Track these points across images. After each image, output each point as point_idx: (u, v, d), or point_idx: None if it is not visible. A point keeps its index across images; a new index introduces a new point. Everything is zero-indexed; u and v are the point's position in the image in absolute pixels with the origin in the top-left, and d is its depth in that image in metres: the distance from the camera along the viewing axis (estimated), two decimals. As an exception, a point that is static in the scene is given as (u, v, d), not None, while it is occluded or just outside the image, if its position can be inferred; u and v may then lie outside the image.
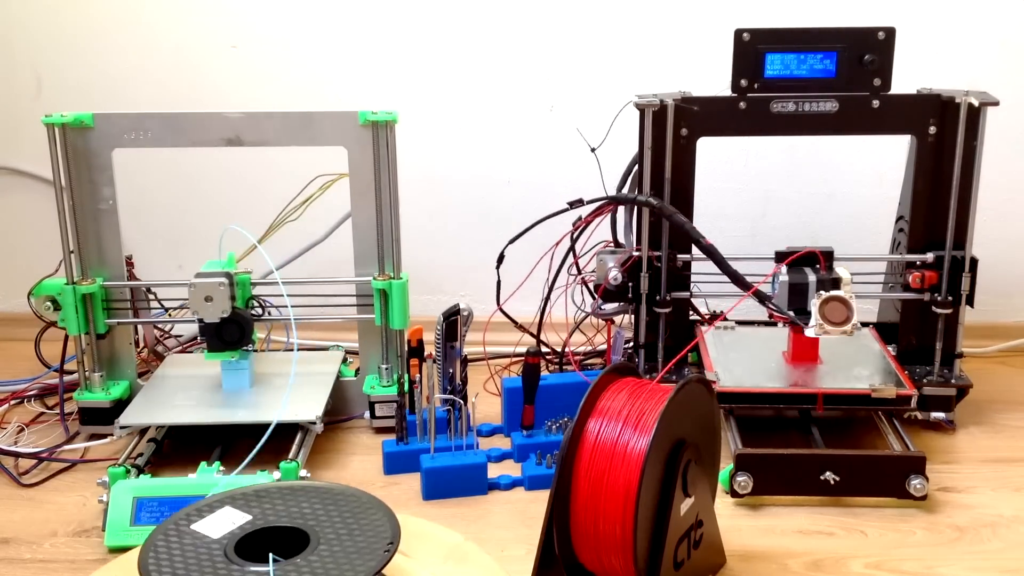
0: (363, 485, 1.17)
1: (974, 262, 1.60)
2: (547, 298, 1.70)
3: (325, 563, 1.00)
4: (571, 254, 1.67)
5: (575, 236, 1.66)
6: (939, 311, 1.62)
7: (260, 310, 1.61)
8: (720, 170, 1.94)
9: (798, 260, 1.54)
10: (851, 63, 1.55)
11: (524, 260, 1.66)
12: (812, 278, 1.52)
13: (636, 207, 1.63)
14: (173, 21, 1.98)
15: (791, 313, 1.51)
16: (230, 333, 1.54)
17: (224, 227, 1.56)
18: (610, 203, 1.63)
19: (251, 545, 1.04)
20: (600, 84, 1.94)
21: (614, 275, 1.60)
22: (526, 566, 1.16)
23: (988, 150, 1.57)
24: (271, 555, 1.01)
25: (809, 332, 1.49)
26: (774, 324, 1.70)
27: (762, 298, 1.52)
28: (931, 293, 1.62)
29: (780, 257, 1.56)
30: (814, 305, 1.49)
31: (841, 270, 1.54)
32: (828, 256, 1.55)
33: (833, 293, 1.49)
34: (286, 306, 1.52)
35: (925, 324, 1.65)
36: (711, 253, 1.53)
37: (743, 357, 1.62)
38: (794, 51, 1.56)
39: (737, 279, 1.52)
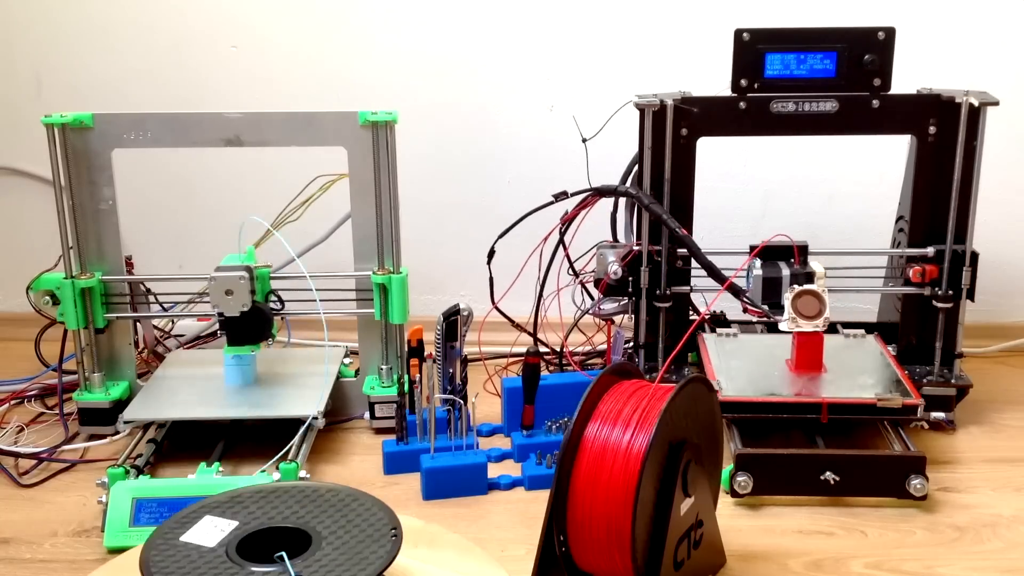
0: (363, 485, 1.17)
1: (975, 256, 1.60)
2: (540, 295, 1.70)
3: (329, 564, 1.00)
4: (560, 247, 1.67)
5: (563, 230, 1.66)
6: (939, 305, 1.62)
7: (280, 304, 1.61)
8: (720, 170, 1.94)
9: (774, 253, 1.55)
10: (851, 63, 1.55)
11: (521, 258, 1.66)
12: (786, 272, 1.52)
13: (636, 207, 1.63)
14: (173, 21, 1.98)
15: (764, 307, 1.52)
16: (250, 327, 1.55)
17: (242, 220, 1.57)
18: (593, 195, 1.63)
19: (252, 546, 1.04)
20: (600, 84, 1.94)
21: (614, 269, 1.60)
22: (526, 566, 1.16)
23: (988, 150, 1.57)
24: (283, 555, 1.00)
25: (782, 326, 1.50)
26: (777, 329, 1.70)
27: (736, 291, 1.52)
28: (931, 287, 1.63)
29: (754, 250, 1.56)
30: (787, 299, 1.49)
31: (815, 264, 1.54)
32: (803, 250, 1.55)
33: (806, 287, 1.49)
34: (304, 300, 1.53)
35: (925, 322, 1.65)
36: (686, 244, 1.54)
37: (745, 365, 1.60)
38: (794, 51, 1.56)
39: (713, 271, 1.53)
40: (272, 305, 1.60)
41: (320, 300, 1.56)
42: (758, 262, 1.55)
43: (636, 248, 1.62)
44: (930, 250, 1.62)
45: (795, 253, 1.55)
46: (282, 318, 1.71)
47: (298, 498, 1.12)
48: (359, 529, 1.06)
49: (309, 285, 1.53)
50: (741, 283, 1.56)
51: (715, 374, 1.56)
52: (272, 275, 1.63)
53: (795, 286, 1.50)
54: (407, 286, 1.62)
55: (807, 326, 1.49)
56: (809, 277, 1.52)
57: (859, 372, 1.57)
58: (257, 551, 1.03)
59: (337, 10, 1.96)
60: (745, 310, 1.54)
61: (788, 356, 1.60)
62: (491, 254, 1.68)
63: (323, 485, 1.15)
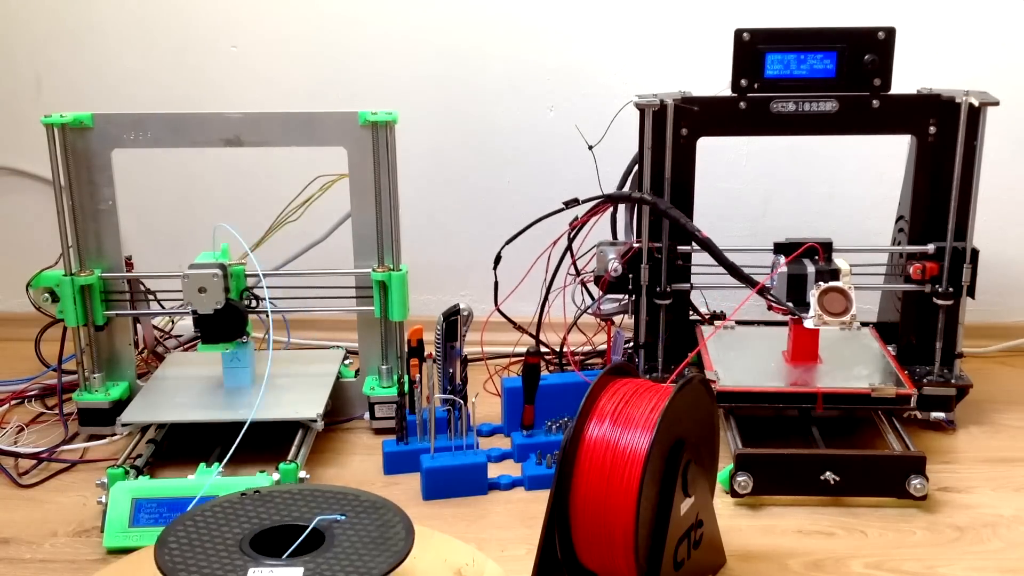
0: (363, 485, 1.18)
1: (975, 253, 1.60)
2: (544, 299, 1.70)
3: (340, 562, 1.00)
4: (568, 253, 1.67)
5: (572, 236, 1.66)
6: (940, 302, 1.62)
7: (255, 302, 1.61)
8: (720, 170, 1.94)
9: (795, 250, 1.55)
10: (851, 63, 1.55)
11: (523, 260, 1.66)
12: (811, 269, 1.52)
13: (636, 206, 1.63)
14: (173, 21, 1.98)
15: (790, 304, 1.51)
16: (224, 324, 1.54)
17: (216, 225, 1.56)
18: (606, 202, 1.63)
19: (265, 542, 1.04)
20: (600, 84, 1.94)
21: (614, 267, 1.60)
22: (526, 566, 1.16)
23: (988, 150, 1.57)
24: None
25: (808, 323, 1.49)
26: (773, 323, 1.70)
27: (761, 290, 1.52)
28: (932, 285, 1.63)
29: (779, 248, 1.56)
30: (813, 296, 1.49)
31: (840, 261, 1.54)
32: (827, 247, 1.55)
33: (832, 284, 1.49)
34: (285, 299, 1.52)
35: (925, 322, 1.65)
36: (708, 247, 1.54)
37: (743, 356, 1.62)
38: (794, 51, 1.56)
39: (736, 272, 1.52)
40: (248, 303, 1.59)
41: (313, 299, 1.55)
42: (782, 259, 1.54)
43: (636, 245, 1.62)
44: (930, 247, 1.62)
45: (819, 250, 1.54)
46: (269, 316, 1.70)
47: (311, 499, 1.13)
48: (371, 530, 1.06)
49: (265, 295, 1.52)
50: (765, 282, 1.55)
51: (713, 365, 1.57)
52: (266, 281, 1.62)
53: (820, 283, 1.50)
54: (407, 283, 1.62)
55: (834, 323, 1.48)
56: (834, 274, 1.52)
57: (854, 363, 1.58)
58: (270, 548, 1.04)
59: (338, 10, 1.96)
60: (770, 308, 1.53)
61: (784, 348, 1.61)
62: (497, 259, 1.67)
63: (337, 488, 1.16)
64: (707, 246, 1.54)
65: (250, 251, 1.58)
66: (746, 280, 1.52)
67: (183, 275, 1.51)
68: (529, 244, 1.65)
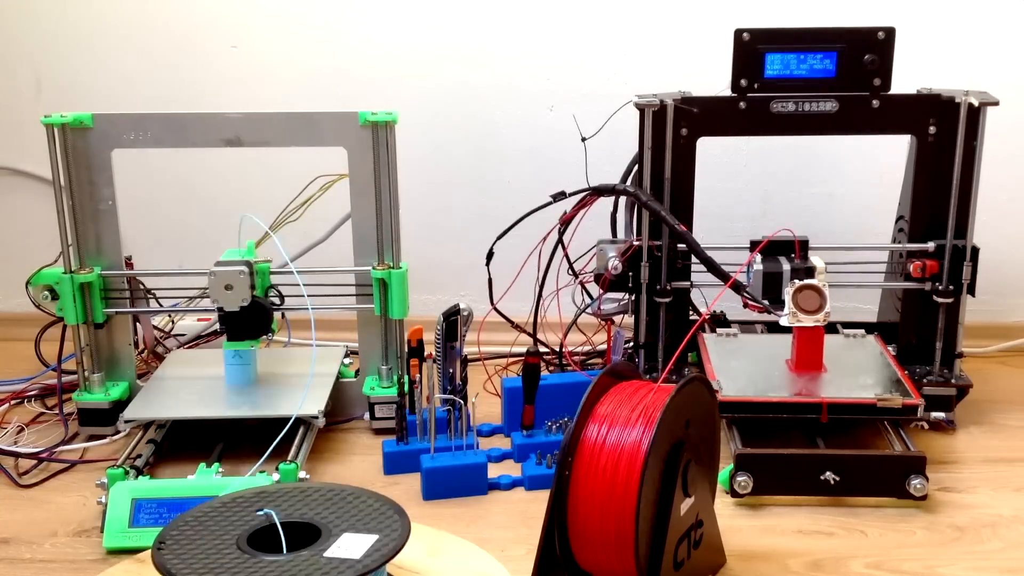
0: (363, 485, 1.17)
1: (975, 251, 1.60)
2: (539, 295, 1.70)
3: (336, 554, 1.01)
4: (559, 247, 1.67)
5: (562, 230, 1.66)
6: (940, 300, 1.62)
7: (280, 299, 1.61)
8: (720, 170, 1.94)
9: (774, 248, 1.55)
10: (851, 63, 1.55)
11: (520, 258, 1.66)
12: (786, 267, 1.53)
13: (636, 206, 1.63)
14: (173, 21, 1.98)
15: (765, 302, 1.52)
16: (250, 322, 1.54)
17: (241, 216, 1.57)
18: (592, 194, 1.63)
19: (263, 540, 1.05)
20: (600, 84, 1.94)
21: (614, 264, 1.60)
22: (526, 566, 1.16)
23: (988, 150, 1.57)
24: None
25: (783, 321, 1.50)
26: (776, 329, 1.69)
27: (737, 287, 1.52)
28: (932, 283, 1.62)
29: (755, 245, 1.56)
30: (788, 294, 1.49)
31: (815, 259, 1.55)
32: (803, 245, 1.55)
33: (807, 282, 1.50)
34: (299, 296, 1.53)
35: (925, 320, 1.65)
36: (686, 240, 1.54)
37: (745, 365, 1.60)
38: (794, 51, 1.56)
39: (713, 267, 1.53)
40: (272, 300, 1.59)
41: (313, 297, 1.55)
42: (759, 257, 1.55)
43: (636, 243, 1.62)
44: (931, 245, 1.62)
45: (796, 248, 1.55)
46: (282, 315, 1.71)
47: (305, 497, 1.13)
48: (365, 523, 1.07)
49: (297, 281, 1.53)
50: (742, 279, 1.56)
51: (715, 374, 1.56)
52: (283, 271, 1.63)
53: (796, 281, 1.50)
54: (407, 281, 1.62)
55: (808, 321, 1.49)
56: (810, 272, 1.52)
57: (859, 372, 1.57)
58: (267, 546, 1.04)
59: (337, 10, 1.96)
60: (746, 305, 1.54)
61: (788, 356, 1.60)
62: (490, 255, 1.68)
63: (329, 485, 1.16)
64: (685, 239, 1.55)
65: (273, 235, 1.58)
66: (722, 275, 1.53)
67: (210, 272, 1.52)
68: (525, 241, 1.65)
